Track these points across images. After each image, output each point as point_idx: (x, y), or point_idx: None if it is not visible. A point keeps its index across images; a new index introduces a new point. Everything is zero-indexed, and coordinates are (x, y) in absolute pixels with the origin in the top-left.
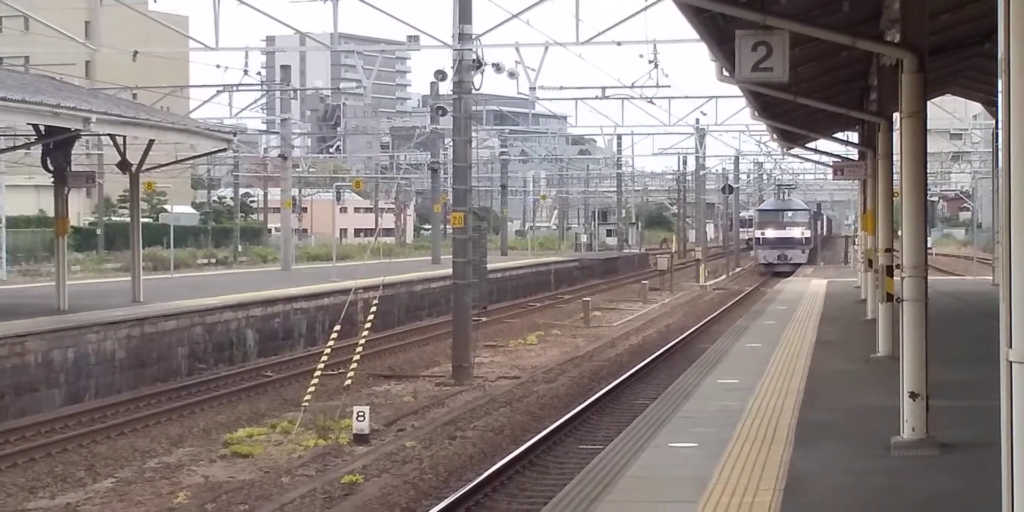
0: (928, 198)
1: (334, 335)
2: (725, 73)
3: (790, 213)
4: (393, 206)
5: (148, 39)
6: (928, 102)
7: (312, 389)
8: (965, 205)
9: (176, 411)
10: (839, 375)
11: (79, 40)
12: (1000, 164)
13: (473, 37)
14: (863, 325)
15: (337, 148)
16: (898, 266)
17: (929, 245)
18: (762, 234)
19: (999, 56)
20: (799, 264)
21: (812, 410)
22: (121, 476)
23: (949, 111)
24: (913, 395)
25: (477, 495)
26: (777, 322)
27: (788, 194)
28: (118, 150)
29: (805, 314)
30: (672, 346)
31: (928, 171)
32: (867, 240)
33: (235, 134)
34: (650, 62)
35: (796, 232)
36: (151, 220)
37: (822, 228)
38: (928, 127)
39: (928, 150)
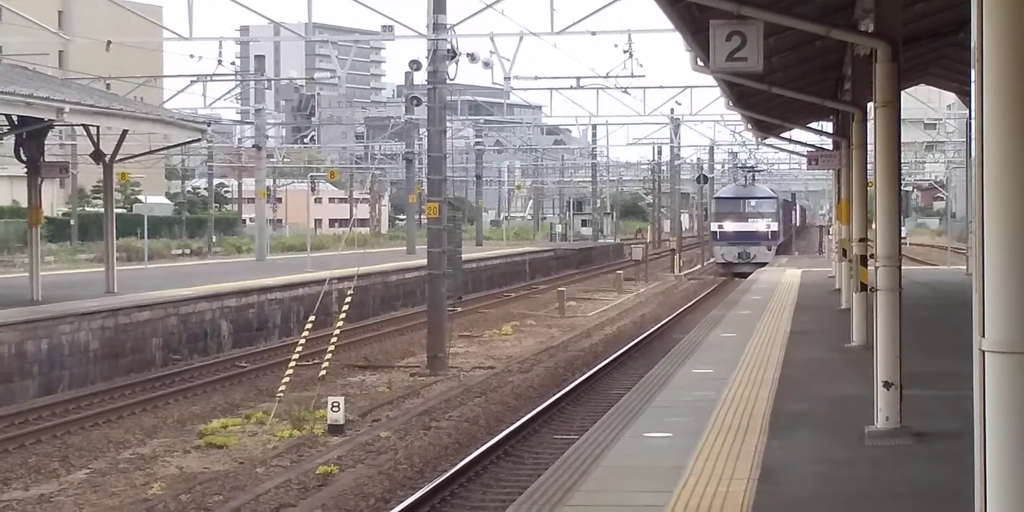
0: (902, 188)
1: (308, 326)
2: (700, 63)
3: (753, 202)
4: (368, 196)
5: (121, 29)
6: (902, 92)
7: (287, 380)
8: (939, 195)
9: (150, 402)
10: (813, 365)
11: (52, 30)
12: (974, 154)
13: (448, 27)
14: (837, 315)
15: (312, 138)
16: (872, 256)
17: (903, 235)
18: (720, 227)
19: (972, 46)
20: (764, 263)
21: (786, 400)
22: (95, 467)
23: (923, 101)
24: (887, 384)
25: (452, 486)
26: (752, 312)
27: (753, 179)
28: (91, 140)
29: (779, 304)
30: (647, 336)
31: (902, 161)
32: (841, 230)
33: (209, 124)
34: (625, 52)
35: (761, 224)
36: (125, 210)
37: (796, 218)
38: (902, 117)
39: (902, 140)
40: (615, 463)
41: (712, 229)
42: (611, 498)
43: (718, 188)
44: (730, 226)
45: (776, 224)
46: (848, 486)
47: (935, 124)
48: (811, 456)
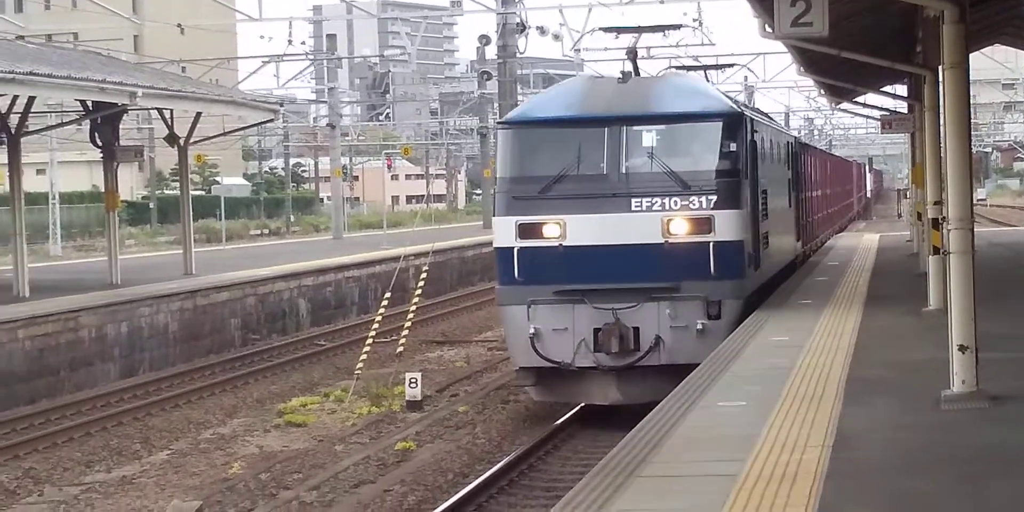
0: (981, 149)
1: (385, 303)
2: (768, 29)
3: (652, 134)
4: (444, 172)
5: (194, 12)
6: (979, 52)
7: (364, 357)
8: (1019, 155)
9: (230, 382)
10: (890, 330)
11: (124, 15)
12: None
13: (516, 0)
14: (915, 279)
15: (387, 115)
16: (944, 218)
17: (983, 196)
18: (520, 240)
19: None
20: (691, 367)
21: (862, 366)
22: (176, 448)
23: (1000, 61)
24: (962, 348)
25: (530, 459)
26: (828, 278)
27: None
28: (166, 123)
29: (857, 269)
30: None
31: (981, 122)
32: (917, 193)
33: (282, 104)
34: (694, 20)
35: (677, 225)
36: (203, 192)
37: (867, 187)
38: (980, 78)
39: (980, 101)
40: (689, 433)
41: (497, 244)
42: (684, 468)
43: None
44: (558, 231)
45: (741, 222)
46: (923, 451)
47: (1013, 84)
48: (886, 422)
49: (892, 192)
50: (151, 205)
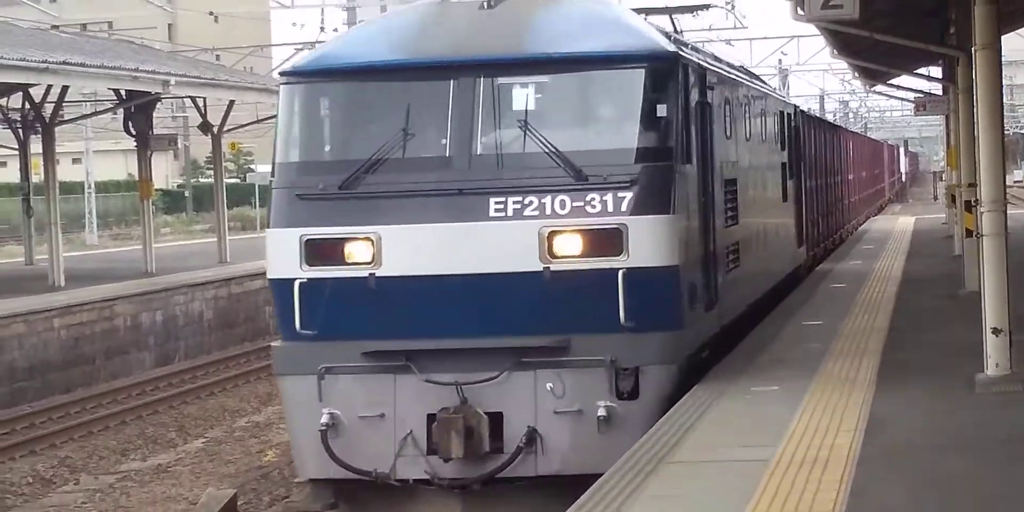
0: (1018, 130)
1: None
2: (800, 12)
3: (536, 94)
4: None
5: (227, 0)
6: (1015, 33)
7: None
8: None
9: (265, 370)
10: (925, 313)
11: (158, 4)
12: None
13: None
14: (950, 261)
15: None
16: (977, 201)
17: (1020, 178)
18: (304, 267)
19: None
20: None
21: (896, 349)
22: (211, 436)
23: None
24: (996, 331)
25: None
26: (863, 261)
27: None
28: (199, 112)
29: (892, 252)
30: None
31: (1018, 103)
32: (952, 176)
33: None
34: (727, 3)
35: (604, 242)
36: (238, 180)
37: (900, 166)
38: (1016, 59)
39: (1017, 82)
40: (720, 418)
41: (272, 274)
42: (715, 454)
43: None
44: (369, 252)
45: (675, 234)
46: (957, 434)
47: None
48: (919, 405)
49: (928, 174)
50: (186, 193)
